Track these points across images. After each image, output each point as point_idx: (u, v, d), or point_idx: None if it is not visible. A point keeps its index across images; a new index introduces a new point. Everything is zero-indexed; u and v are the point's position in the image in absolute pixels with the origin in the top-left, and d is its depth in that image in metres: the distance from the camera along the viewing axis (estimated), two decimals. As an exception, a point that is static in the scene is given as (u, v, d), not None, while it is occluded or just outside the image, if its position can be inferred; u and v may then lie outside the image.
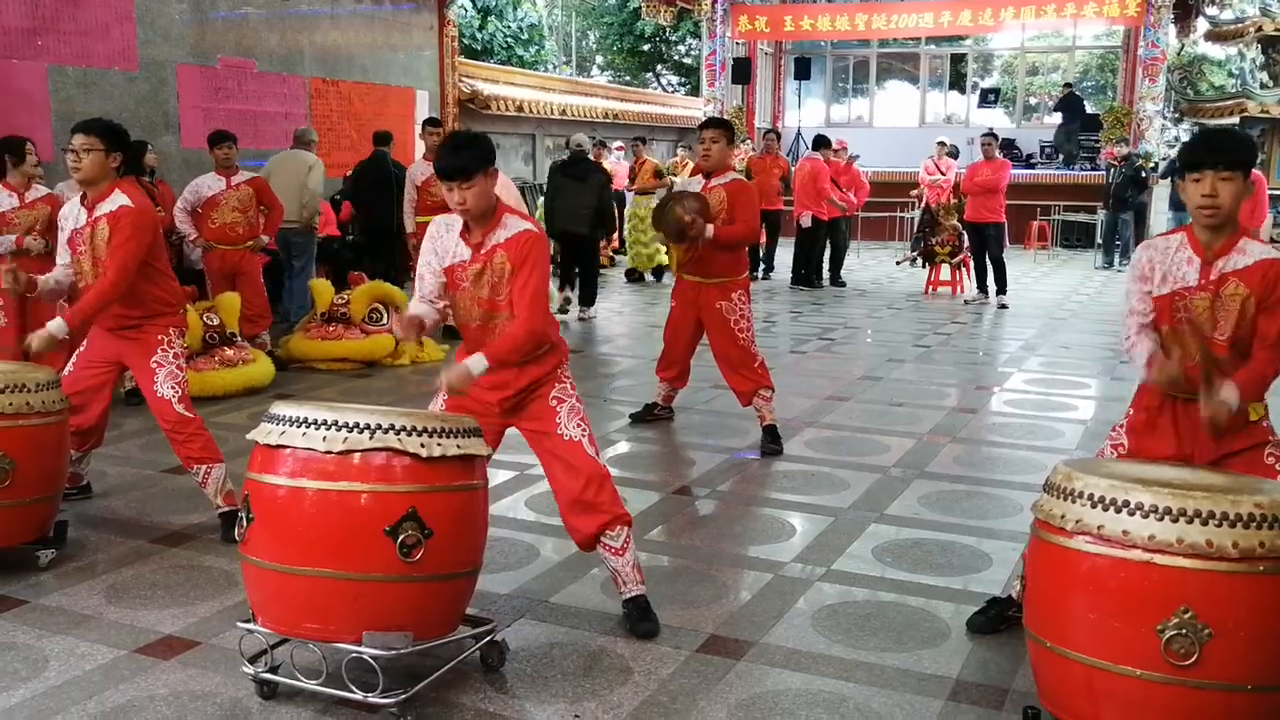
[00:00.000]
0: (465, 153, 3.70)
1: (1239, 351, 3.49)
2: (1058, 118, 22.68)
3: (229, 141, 8.63)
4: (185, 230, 8.73)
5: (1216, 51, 30.23)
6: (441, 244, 3.91)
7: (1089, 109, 22.81)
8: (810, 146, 15.01)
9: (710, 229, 6.14)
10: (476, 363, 3.69)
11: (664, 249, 14.77)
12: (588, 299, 11.82)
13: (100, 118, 4.98)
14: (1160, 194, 18.25)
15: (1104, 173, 18.16)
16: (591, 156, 12.36)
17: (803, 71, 23.34)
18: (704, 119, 6.81)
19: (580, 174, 11.51)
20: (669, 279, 12.09)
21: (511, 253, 3.78)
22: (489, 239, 3.82)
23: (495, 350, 3.74)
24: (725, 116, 21.11)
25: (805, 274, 14.59)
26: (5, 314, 6.76)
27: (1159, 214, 18.71)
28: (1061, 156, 21.59)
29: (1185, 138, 29.45)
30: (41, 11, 9.50)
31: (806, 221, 14.14)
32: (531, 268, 3.78)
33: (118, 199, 4.78)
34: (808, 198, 14.09)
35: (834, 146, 14.78)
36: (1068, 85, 23.79)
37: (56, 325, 4.71)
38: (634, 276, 15.11)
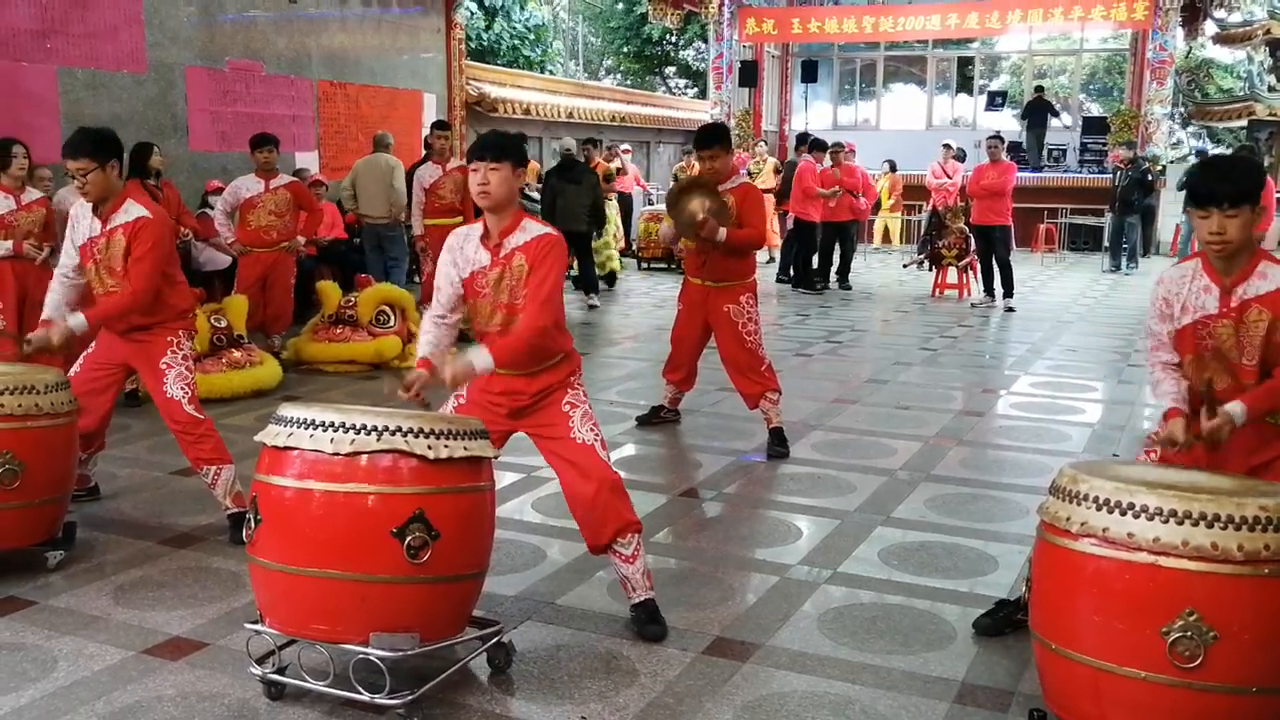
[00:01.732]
0: (498, 140, 3.83)
1: (1269, 374, 3.48)
2: (1066, 120, 22.68)
3: (270, 145, 8.69)
4: (224, 234, 8.79)
5: (1224, 55, 30.23)
6: (461, 255, 3.92)
7: (1099, 111, 22.82)
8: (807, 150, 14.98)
9: (723, 232, 6.12)
10: (481, 358, 3.69)
11: (616, 255, 14.81)
12: (590, 288, 12.83)
13: (83, 130, 4.87)
14: (1168, 197, 18.26)
15: (1111, 176, 18.15)
16: (581, 159, 13.05)
17: (809, 74, 23.34)
18: (697, 135, 6.44)
19: (575, 176, 12.37)
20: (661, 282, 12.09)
21: (530, 254, 3.80)
22: (507, 242, 3.83)
23: (501, 347, 3.74)
24: (731, 120, 21.21)
25: (805, 277, 14.57)
26: (4, 315, 6.77)
27: (1166, 217, 18.74)
28: (1049, 157, 21.63)
29: (1193, 142, 29.47)
30: (50, 14, 9.55)
31: (789, 223, 14.32)
32: (548, 269, 3.80)
33: (132, 209, 4.79)
34: (794, 199, 14.17)
35: (832, 145, 14.69)
36: (1039, 89, 23.80)
37: (76, 321, 4.73)
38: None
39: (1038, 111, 22.32)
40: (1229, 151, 23.67)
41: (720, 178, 6.28)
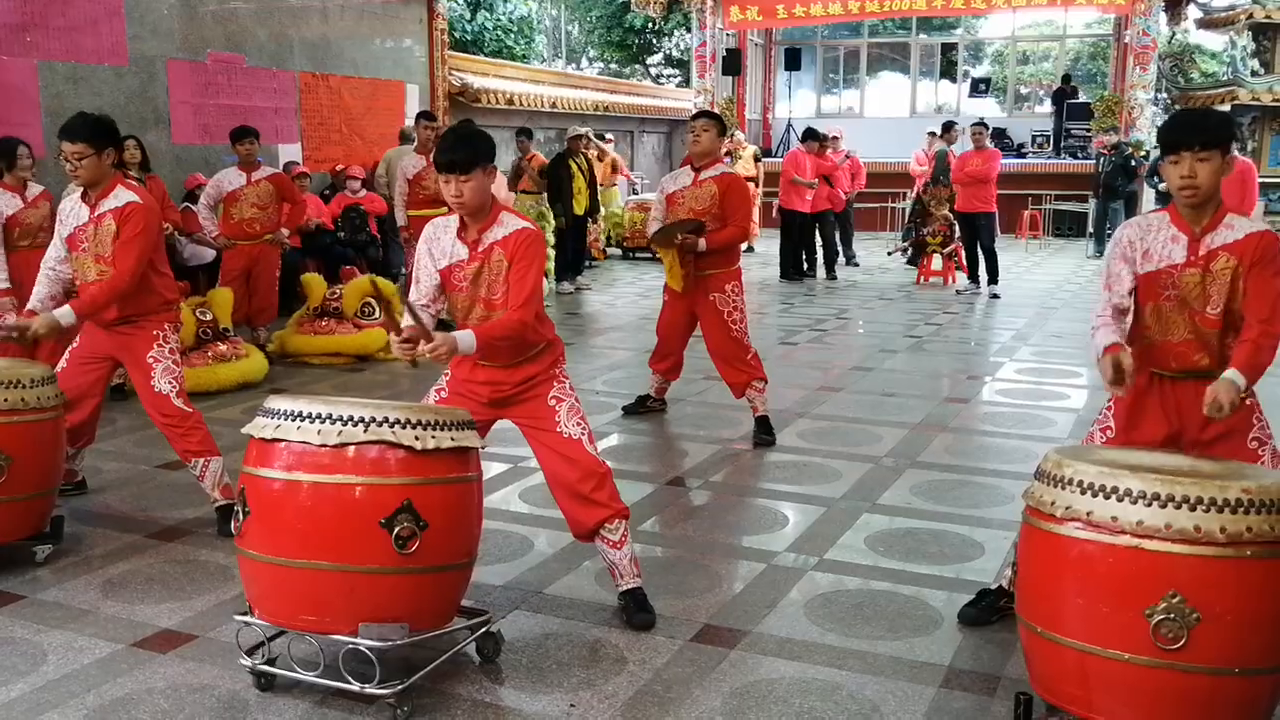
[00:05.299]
0: (464, 146, 3.72)
1: (1230, 323, 3.51)
2: (1049, 107, 22.78)
3: (250, 137, 8.69)
4: (207, 227, 8.77)
5: (1208, 40, 30.30)
6: (438, 246, 3.90)
7: (1083, 97, 22.89)
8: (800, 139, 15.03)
9: (702, 243, 6.23)
10: (466, 337, 3.65)
11: None
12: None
13: (82, 114, 4.89)
14: (1152, 182, 18.27)
15: (1094, 161, 18.20)
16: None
17: (793, 62, 23.30)
18: (695, 111, 6.81)
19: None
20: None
21: (509, 249, 3.79)
22: (486, 236, 3.82)
23: (485, 330, 3.71)
24: (715, 108, 21.13)
25: (791, 266, 14.63)
26: (16, 312, 6.77)
27: (1150, 202, 18.74)
28: (1034, 144, 21.84)
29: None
30: (30, 7, 9.47)
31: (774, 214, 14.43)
32: (529, 263, 3.79)
33: (122, 195, 4.79)
34: (781, 190, 14.24)
35: (824, 136, 14.71)
36: (1065, 78, 23.90)
37: (63, 313, 4.69)
38: None
39: (1062, 100, 22.39)
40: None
41: (704, 152, 6.35)
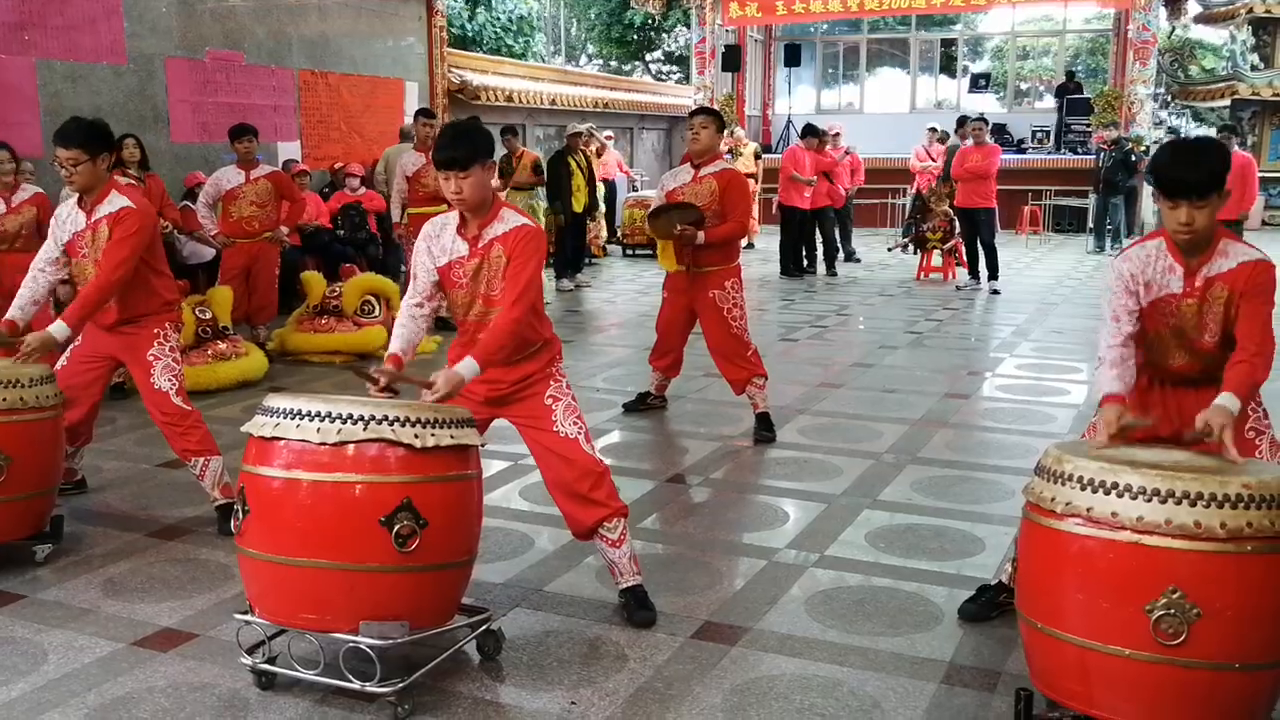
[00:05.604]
0: (463, 143, 3.71)
1: (1227, 343, 3.52)
2: (1049, 102, 22.78)
3: (249, 135, 8.68)
4: (207, 226, 8.78)
5: (1208, 34, 30.27)
6: (438, 243, 3.89)
7: (1083, 92, 22.91)
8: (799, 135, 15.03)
9: (701, 235, 6.19)
10: (467, 367, 3.64)
11: None
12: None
13: (76, 119, 4.86)
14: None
15: (1095, 157, 18.19)
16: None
17: (792, 58, 23.26)
18: (694, 108, 6.80)
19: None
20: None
21: (509, 245, 3.78)
22: (486, 233, 3.81)
23: (483, 349, 3.70)
24: (714, 104, 21.12)
25: (791, 262, 14.63)
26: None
27: (1149, 199, 18.75)
28: (1034, 139, 21.85)
29: (1175, 122, 29.53)
30: (29, 6, 9.48)
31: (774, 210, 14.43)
32: (526, 259, 3.78)
33: (117, 200, 4.77)
34: (781, 186, 14.25)
35: (823, 132, 14.72)
36: (1069, 74, 23.90)
37: (57, 328, 4.63)
38: None
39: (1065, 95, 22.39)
40: (1198, 132, 23.72)
41: (704, 149, 6.35)
